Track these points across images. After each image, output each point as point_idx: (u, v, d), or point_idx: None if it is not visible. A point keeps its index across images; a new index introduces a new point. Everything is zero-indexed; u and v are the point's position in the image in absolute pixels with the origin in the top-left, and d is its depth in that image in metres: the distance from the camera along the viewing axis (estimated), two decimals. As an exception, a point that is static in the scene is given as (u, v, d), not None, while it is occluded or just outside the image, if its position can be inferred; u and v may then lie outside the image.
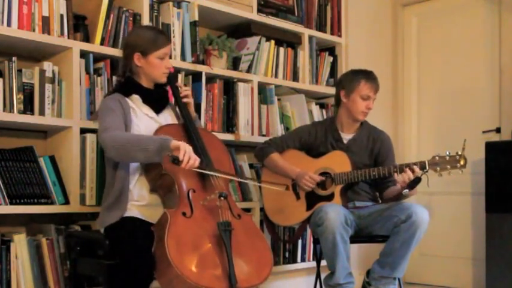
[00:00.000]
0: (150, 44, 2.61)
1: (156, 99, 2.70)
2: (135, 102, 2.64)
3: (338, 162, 3.11)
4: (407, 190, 2.93)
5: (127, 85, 2.66)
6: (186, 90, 2.79)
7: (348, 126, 3.24)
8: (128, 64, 2.64)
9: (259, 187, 3.44)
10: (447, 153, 2.90)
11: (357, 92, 3.16)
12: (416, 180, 2.91)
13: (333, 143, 3.22)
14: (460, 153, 2.88)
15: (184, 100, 2.77)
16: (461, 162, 2.89)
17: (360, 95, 3.15)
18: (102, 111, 2.57)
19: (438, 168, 2.90)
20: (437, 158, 2.91)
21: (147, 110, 2.66)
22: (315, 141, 3.26)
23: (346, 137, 3.24)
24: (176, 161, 2.31)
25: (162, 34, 2.69)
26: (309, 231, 3.85)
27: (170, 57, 3.20)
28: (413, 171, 2.90)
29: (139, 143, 2.38)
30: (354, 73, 3.24)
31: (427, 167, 2.91)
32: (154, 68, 2.63)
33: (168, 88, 2.83)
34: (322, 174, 3.15)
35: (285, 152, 3.28)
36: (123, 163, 2.55)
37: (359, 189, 3.18)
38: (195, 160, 2.35)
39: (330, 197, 3.08)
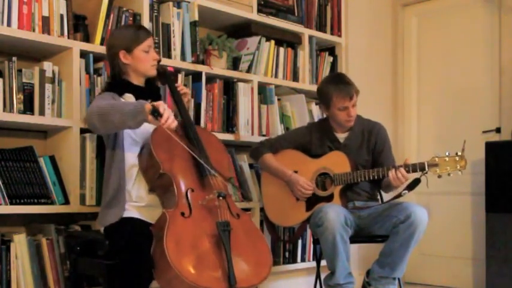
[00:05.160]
0: (132, 40, 2.63)
1: (148, 96, 2.68)
2: (128, 100, 2.64)
3: (337, 163, 3.11)
4: (406, 191, 2.93)
5: (119, 84, 2.66)
6: (183, 89, 2.81)
7: (340, 127, 3.23)
8: (115, 65, 2.66)
9: (260, 187, 3.44)
10: (447, 153, 2.89)
11: (333, 106, 3.12)
12: (416, 182, 2.91)
13: (330, 144, 3.22)
14: (459, 154, 2.87)
15: (185, 100, 2.78)
16: (461, 164, 2.88)
17: (336, 108, 3.12)
18: (93, 101, 2.61)
19: (437, 170, 2.89)
20: (436, 159, 2.90)
21: None
22: (310, 143, 3.25)
23: (342, 135, 3.23)
24: (156, 113, 2.27)
25: (141, 28, 2.73)
26: (308, 231, 3.85)
27: (170, 57, 3.23)
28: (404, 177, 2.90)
29: (117, 105, 2.40)
30: (325, 86, 3.19)
31: (427, 169, 2.90)
32: (142, 61, 2.64)
33: (166, 87, 2.83)
34: (321, 174, 3.15)
35: (284, 152, 3.28)
36: (117, 161, 2.56)
37: (359, 189, 3.18)
38: (174, 121, 2.32)
39: (329, 198, 3.08)
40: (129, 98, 2.64)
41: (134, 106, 2.33)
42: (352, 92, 3.12)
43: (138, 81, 2.69)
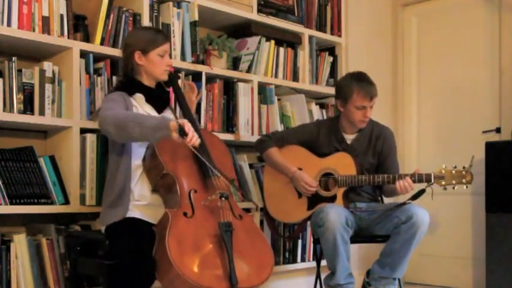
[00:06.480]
0: (149, 42, 2.63)
1: (158, 98, 2.70)
2: (138, 101, 2.64)
3: (343, 164, 3.09)
4: (410, 201, 2.95)
5: (130, 84, 2.66)
6: (187, 85, 2.86)
7: (351, 127, 3.22)
8: (128, 64, 2.65)
9: (262, 181, 3.44)
10: (454, 166, 2.91)
11: (351, 103, 3.09)
12: (421, 192, 2.93)
13: (336, 145, 3.20)
14: (466, 168, 2.89)
15: (196, 97, 2.86)
16: (467, 178, 2.91)
17: (354, 106, 3.09)
18: (104, 102, 2.58)
19: (443, 182, 2.91)
20: (443, 171, 2.92)
21: (149, 109, 2.66)
22: (317, 141, 3.23)
23: (349, 137, 3.22)
24: (182, 132, 2.29)
25: (160, 33, 2.73)
26: (309, 231, 3.84)
27: (170, 57, 3.22)
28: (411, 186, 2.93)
29: (138, 118, 2.38)
30: (348, 81, 3.14)
31: (433, 180, 2.91)
32: (155, 65, 2.65)
33: (170, 89, 2.83)
34: (325, 175, 3.14)
35: (289, 147, 3.25)
36: (124, 161, 2.55)
37: (361, 190, 3.18)
38: (198, 139, 2.34)
39: (332, 199, 3.07)
40: (139, 98, 2.65)
41: (158, 122, 2.33)
42: (373, 93, 3.10)
43: (149, 83, 2.69)
